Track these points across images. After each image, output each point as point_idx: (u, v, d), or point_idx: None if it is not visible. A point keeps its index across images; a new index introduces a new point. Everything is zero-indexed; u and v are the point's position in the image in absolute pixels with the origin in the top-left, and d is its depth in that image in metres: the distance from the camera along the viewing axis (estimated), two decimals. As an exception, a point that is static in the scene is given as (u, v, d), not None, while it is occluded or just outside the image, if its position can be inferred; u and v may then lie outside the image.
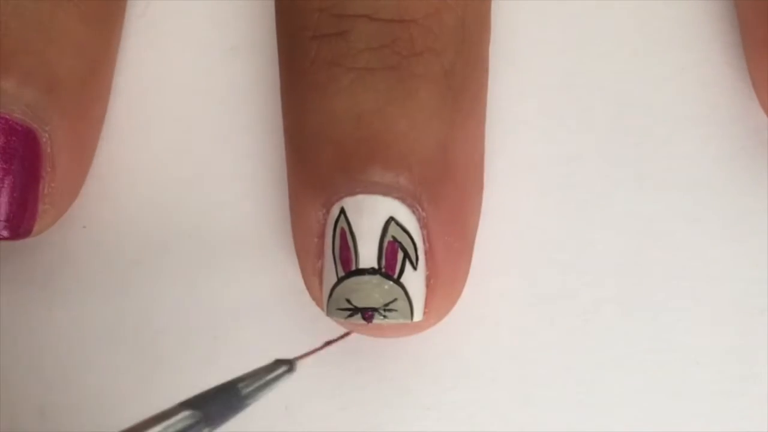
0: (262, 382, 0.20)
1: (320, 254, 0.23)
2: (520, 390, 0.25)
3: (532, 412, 0.24)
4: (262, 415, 0.25)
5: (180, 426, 0.19)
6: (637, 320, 0.25)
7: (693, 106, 0.25)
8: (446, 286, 0.23)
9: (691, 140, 0.25)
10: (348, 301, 0.22)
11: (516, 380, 0.25)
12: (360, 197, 0.22)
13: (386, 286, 0.22)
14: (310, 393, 0.25)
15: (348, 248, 0.22)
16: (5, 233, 0.23)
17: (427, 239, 0.23)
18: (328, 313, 0.23)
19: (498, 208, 0.25)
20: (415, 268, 0.22)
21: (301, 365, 0.20)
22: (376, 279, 0.22)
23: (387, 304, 0.22)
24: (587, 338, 0.25)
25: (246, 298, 0.25)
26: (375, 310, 0.22)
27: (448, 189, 0.23)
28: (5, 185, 0.23)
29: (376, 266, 0.22)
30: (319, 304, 0.24)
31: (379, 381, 0.25)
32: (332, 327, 0.24)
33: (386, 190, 0.22)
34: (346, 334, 0.23)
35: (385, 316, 0.22)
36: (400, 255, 0.22)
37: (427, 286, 0.23)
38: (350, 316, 0.23)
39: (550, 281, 0.25)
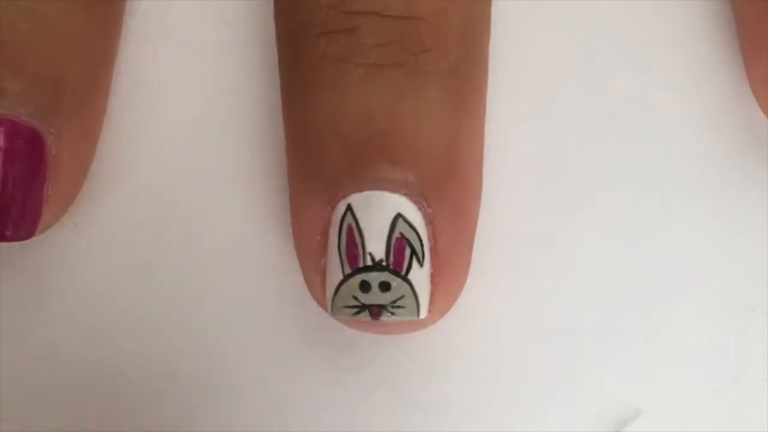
0: None
1: (323, 252, 0.23)
2: (519, 387, 0.25)
3: (530, 410, 0.25)
4: (253, 415, 0.25)
5: None
6: (632, 317, 0.25)
7: (688, 104, 0.26)
8: (449, 282, 0.23)
9: (686, 138, 0.25)
10: (355, 298, 0.22)
11: (514, 378, 0.25)
12: (368, 194, 0.22)
13: (394, 283, 0.22)
14: (301, 392, 0.25)
15: (355, 245, 0.22)
16: (9, 234, 0.23)
17: (432, 236, 0.23)
18: (333, 312, 0.23)
19: (493, 205, 0.25)
20: (421, 264, 0.22)
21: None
22: (384, 275, 0.22)
23: (395, 301, 0.22)
24: (583, 334, 0.25)
25: (243, 298, 0.25)
26: (383, 306, 0.22)
27: (454, 186, 0.23)
28: (11, 187, 0.23)
29: (384, 263, 0.22)
30: (320, 303, 0.23)
31: (372, 380, 0.25)
32: (332, 326, 0.24)
33: (395, 187, 0.22)
34: None
35: (393, 313, 0.22)
36: (408, 251, 0.22)
37: (432, 282, 0.23)
38: (357, 313, 0.22)
39: (545, 278, 0.25)
